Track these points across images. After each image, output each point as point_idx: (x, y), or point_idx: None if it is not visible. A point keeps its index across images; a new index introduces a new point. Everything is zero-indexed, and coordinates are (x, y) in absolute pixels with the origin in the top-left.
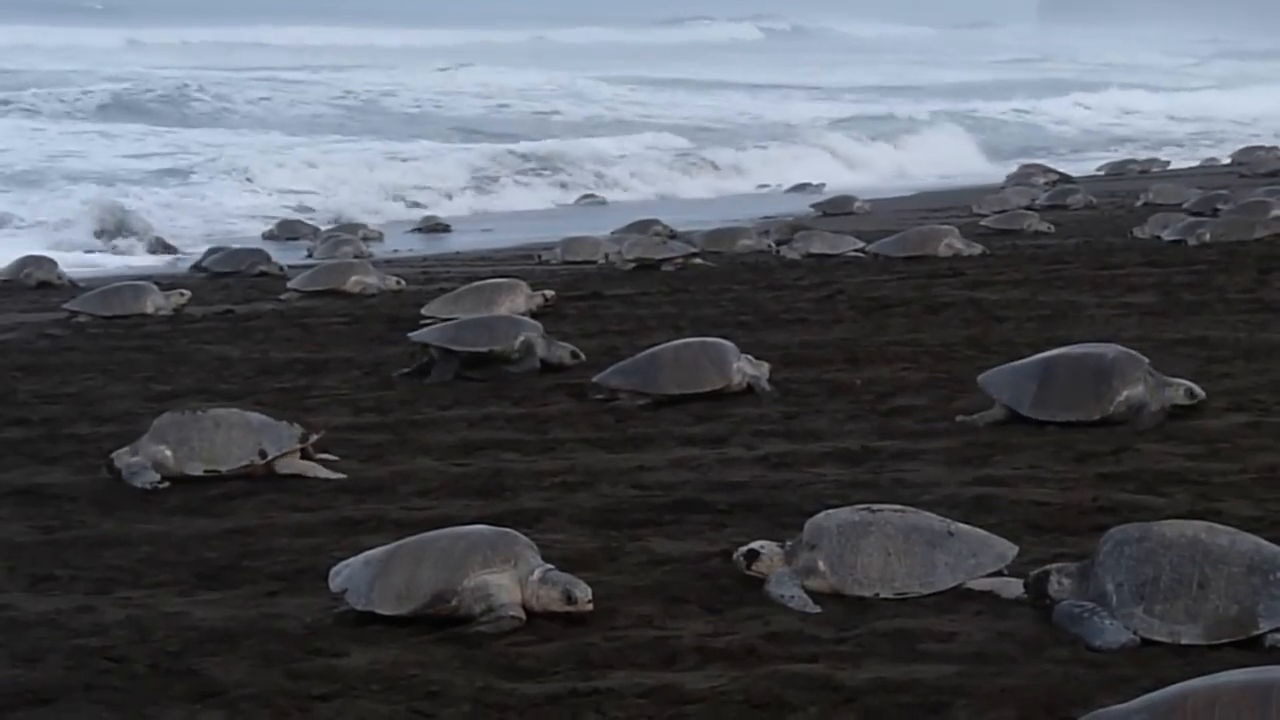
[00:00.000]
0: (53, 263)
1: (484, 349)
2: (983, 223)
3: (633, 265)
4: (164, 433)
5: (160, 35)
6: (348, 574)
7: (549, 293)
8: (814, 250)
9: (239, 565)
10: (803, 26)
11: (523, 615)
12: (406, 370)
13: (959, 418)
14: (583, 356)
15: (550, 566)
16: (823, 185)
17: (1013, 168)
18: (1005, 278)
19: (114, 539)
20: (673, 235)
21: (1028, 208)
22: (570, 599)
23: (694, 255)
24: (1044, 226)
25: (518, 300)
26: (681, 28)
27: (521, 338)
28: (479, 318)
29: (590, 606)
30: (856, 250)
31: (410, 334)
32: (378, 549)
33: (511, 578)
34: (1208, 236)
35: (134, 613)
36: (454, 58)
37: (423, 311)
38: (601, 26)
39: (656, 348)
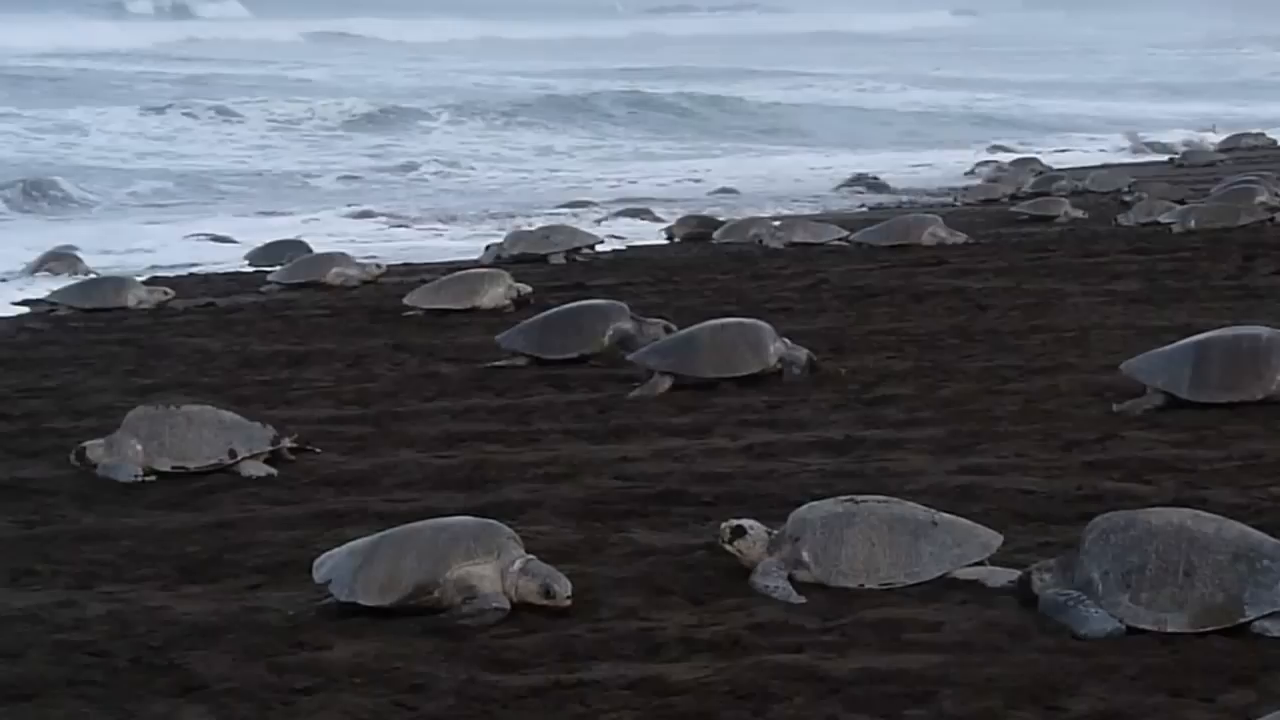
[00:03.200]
0: (75, 257)
1: (574, 354)
2: (1013, 208)
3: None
4: (135, 427)
5: (297, 26)
6: (332, 565)
7: (525, 288)
8: (796, 239)
9: (221, 559)
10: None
11: (507, 606)
12: (499, 364)
13: (1115, 407)
14: (675, 328)
15: (532, 558)
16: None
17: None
18: (989, 266)
19: (95, 533)
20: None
21: (1014, 196)
22: (548, 593)
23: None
24: (1079, 213)
25: (499, 290)
26: (687, 17)
27: (611, 331)
28: (568, 315)
29: (568, 602)
30: (839, 239)
31: (497, 337)
32: (362, 540)
33: (494, 569)
34: (1192, 223)
35: (115, 607)
36: (583, 53)
37: (405, 301)
38: (615, 20)
39: (693, 328)
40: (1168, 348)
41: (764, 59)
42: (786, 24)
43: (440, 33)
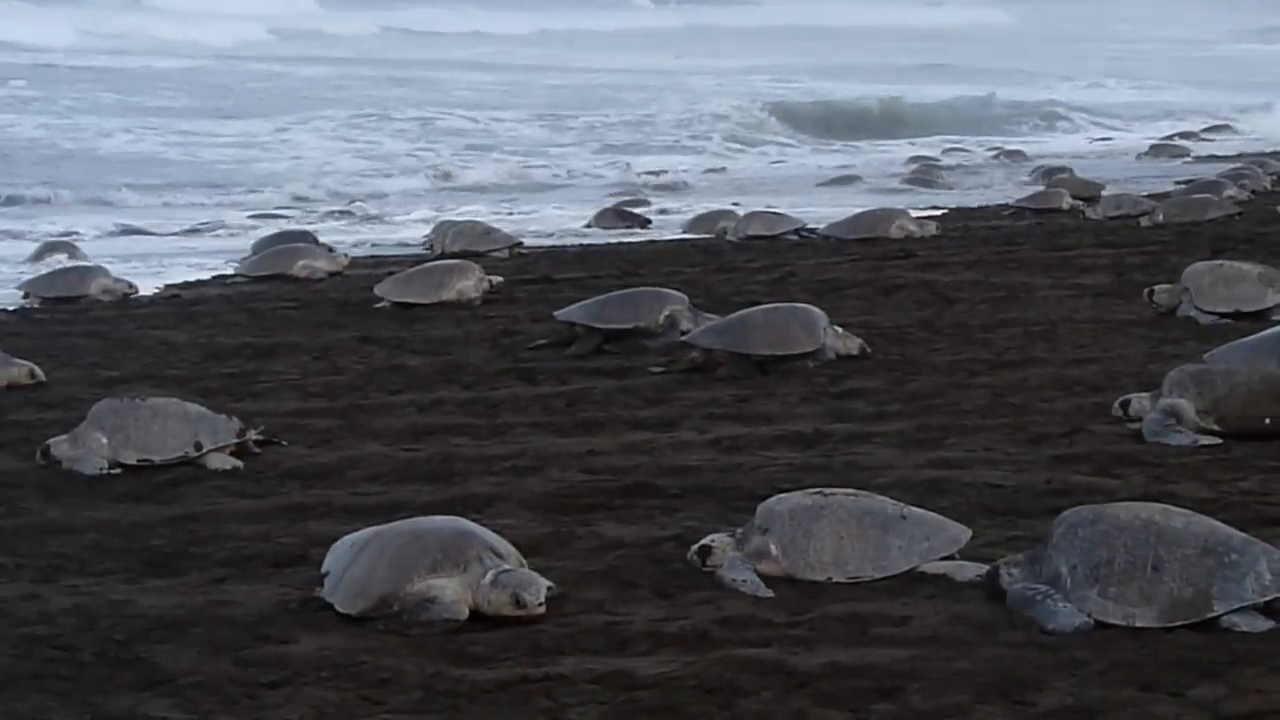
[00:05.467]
0: (72, 246)
1: (629, 325)
2: (1014, 202)
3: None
4: (101, 419)
5: (373, 20)
6: (334, 557)
7: (496, 278)
8: (752, 232)
9: (186, 552)
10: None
11: (462, 614)
12: (542, 343)
13: None
14: None
15: (505, 568)
16: None
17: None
18: (958, 259)
19: (60, 526)
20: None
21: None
22: (519, 603)
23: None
24: (1080, 204)
25: (469, 282)
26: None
27: (666, 312)
28: (624, 293)
29: (541, 609)
30: (793, 231)
31: (556, 312)
32: (365, 531)
33: (460, 583)
34: (1161, 217)
35: (80, 600)
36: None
37: (376, 291)
38: (650, 12)
39: (745, 310)
40: (1250, 338)
41: (849, 53)
42: (808, 18)
43: (499, 25)
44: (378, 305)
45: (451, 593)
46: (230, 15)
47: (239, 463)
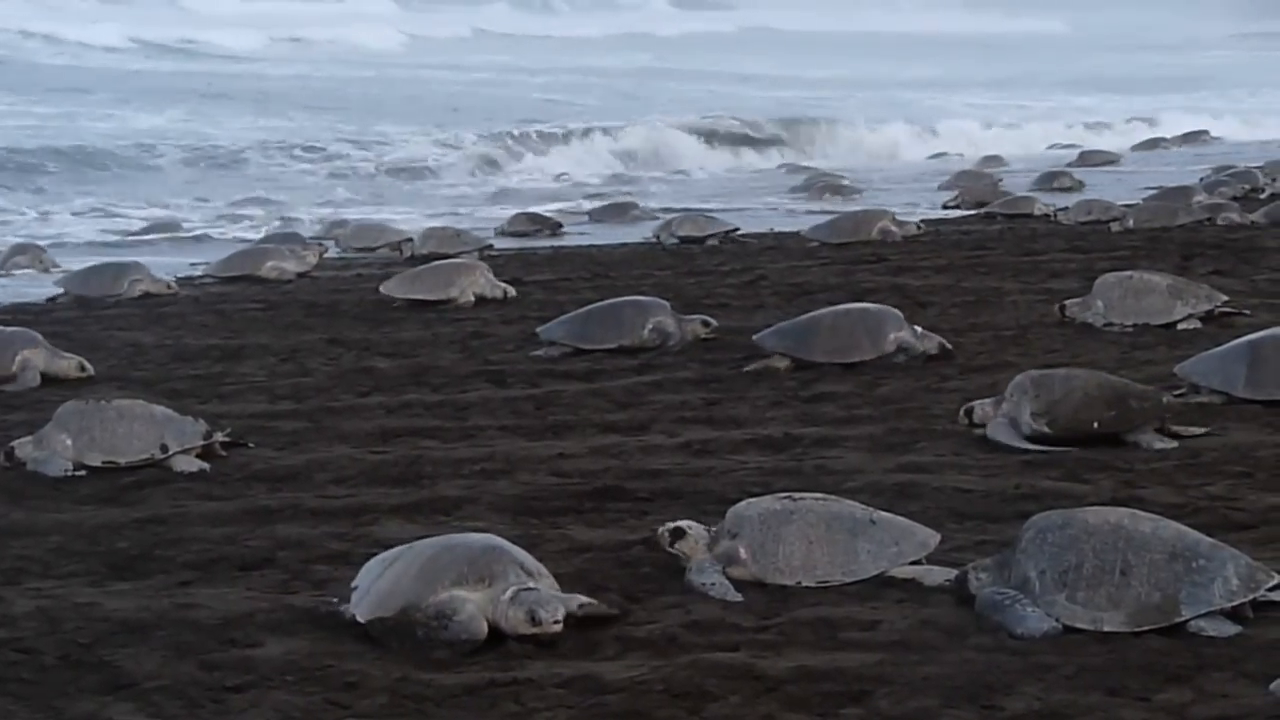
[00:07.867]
0: (39, 249)
1: (613, 345)
2: (988, 208)
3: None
4: (66, 421)
5: (464, 20)
6: (367, 571)
7: (510, 290)
8: (684, 233)
9: (151, 555)
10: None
11: (481, 630)
12: (539, 352)
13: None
14: (714, 323)
15: (527, 585)
16: None
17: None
18: (929, 264)
19: (23, 529)
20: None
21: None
22: (534, 620)
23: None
24: (1049, 210)
25: (477, 281)
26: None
27: (650, 325)
28: (607, 308)
29: (558, 628)
30: (723, 233)
31: (538, 329)
32: (396, 549)
33: (485, 596)
34: (1131, 223)
35: (43, 603)
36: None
37: (380, 289)
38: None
39: (818, 312)
40: (1220, 348)
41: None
42: (837, 24)
43: (578, 28)
44: (393, 305)
45: (473, 607)
46: (318, 18)
47: (205, 465)
